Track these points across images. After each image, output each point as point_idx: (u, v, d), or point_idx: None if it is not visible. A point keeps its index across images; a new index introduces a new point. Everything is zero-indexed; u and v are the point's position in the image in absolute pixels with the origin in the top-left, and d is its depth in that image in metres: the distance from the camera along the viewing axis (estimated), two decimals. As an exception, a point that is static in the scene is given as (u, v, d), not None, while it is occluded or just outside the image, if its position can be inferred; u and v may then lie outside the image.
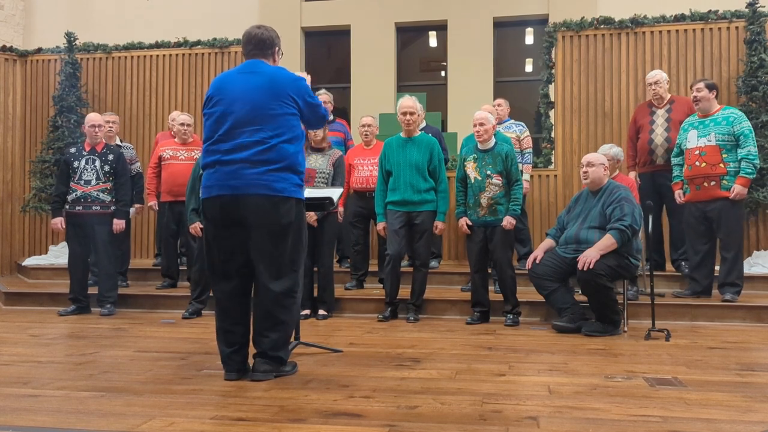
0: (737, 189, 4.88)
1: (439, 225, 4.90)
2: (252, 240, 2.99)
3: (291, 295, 3.05)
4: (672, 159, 5.37)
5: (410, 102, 4.91)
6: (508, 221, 4.63)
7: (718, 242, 5.16)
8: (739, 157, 4.91)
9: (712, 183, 4.97)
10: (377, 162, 5.29)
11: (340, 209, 5.78)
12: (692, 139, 5.11)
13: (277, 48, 3.22)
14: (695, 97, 5.12)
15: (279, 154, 2.98)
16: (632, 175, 5.82)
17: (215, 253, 3.07)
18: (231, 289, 3.06)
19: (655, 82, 5.69)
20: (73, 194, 5.35)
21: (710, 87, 5.10)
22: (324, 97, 6.09)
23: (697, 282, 5.18)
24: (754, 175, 4.94)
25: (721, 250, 5.09)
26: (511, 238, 4.78)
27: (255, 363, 3.04)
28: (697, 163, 5.03)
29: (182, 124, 5.93)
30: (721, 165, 4.94)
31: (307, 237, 3.18)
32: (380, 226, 5.02)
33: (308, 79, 3.27)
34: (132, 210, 6.39)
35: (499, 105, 6.17)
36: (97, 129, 5.44)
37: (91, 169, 5.36)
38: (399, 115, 4.93)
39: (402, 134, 4.98)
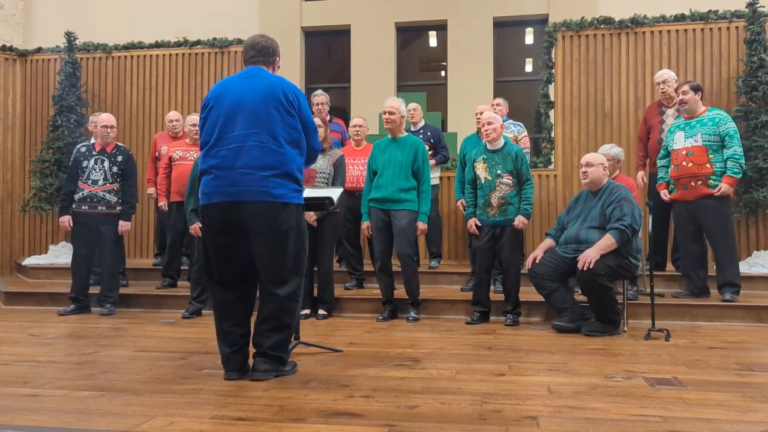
0: (723, 187, 4.92)
1: (420, 225, 4.88)
2: (253, 246, 3.00)
3: (294, 298, 3.07)
4: (658, 161, 5.40)
5: (393, 102, 4.98)
6: (520, 221, 4.63)
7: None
8: (725, 157, 4.96)
9: (699, 183, 5.01)
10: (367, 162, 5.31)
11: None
12: (679, 141, 5.14)
13: (278, 58, 3.23)
14: (681, 99, 5.16)
15: (277, 159, 2.97)
16: (641, 174, 5.84)
17: (213, 259, 3.07)
18: (227, 293, 3.07)
19: (663, 81, 5.69)
20: (80, 193, 5.37)
21: (695, 89, 5.16)
22: (321, 98, 6.08)
23: (693, 282, 5.19)
24: (740, 175, 4.99)
25: (713, 251, 5.11)
26: (520, 238, 4.79)
27: (255, 362, 3.05)
28: (684, 163, 5.06)
29: (194, 125, 5.91)
30: (708, 165, 4.99)
31: (307, 240, 3.18)
32: (365, 225, 5.03)
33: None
34: None
35: (497, 105, 6.15)
36: (109, 129, 5.47)
37: (99, 170, 5.38)
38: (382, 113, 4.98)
39: (389, 135, 5.02)
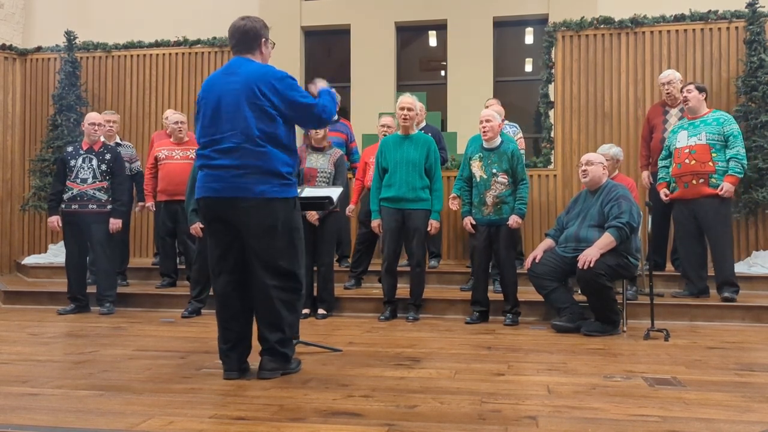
0: (726, 186, 4.94)
1: (434, 224, 4.87)
2: (243, 239, 3.03)
3: (287, 290, 3.05)
4: (659, 161, 5.42)
5: (410, 99, 4.95)
6: (514, 220, 4.63)
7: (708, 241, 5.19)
8: (728, 157, 5.00)
9: (701, 181, 5.03)
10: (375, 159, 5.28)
11: (351, 206, 5.77)
12: (682, 140, 5.18)
13: (263, 39, 3.13)
14: (685, 97, 5.21)
15: (258, 158, 2.96)
16: (645, 174, 5.86)
17: (212, 250, 3.12)
18: (226, 284, 3.08)
19: (668, 82, 5.74)
20: (70, 193, 5.34)
21: (700, 89, 5.22)
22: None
23: (692, 283, 5.20)
24: (742, 175, 5.04)
25: (711, 249, 5.12)
26: (516, 237, 4.78)
27: (262, 361, 3.05)
28: (687, 161, 5.08)
29: (176, 123, 5.94)
30: (710, 163, 5.01)
31: (302, 235, 3.18)
32: (375, 223, 5.01)
33: (319, 85, 3.27)
34: (136, 209, 6.41)
35: (491, 105, 6.13)
36: (96, 127, 5.44)
37: (88, 168, 5.35)
38: (397, 110, 4.94)
39: (399, 131, 4.99)
